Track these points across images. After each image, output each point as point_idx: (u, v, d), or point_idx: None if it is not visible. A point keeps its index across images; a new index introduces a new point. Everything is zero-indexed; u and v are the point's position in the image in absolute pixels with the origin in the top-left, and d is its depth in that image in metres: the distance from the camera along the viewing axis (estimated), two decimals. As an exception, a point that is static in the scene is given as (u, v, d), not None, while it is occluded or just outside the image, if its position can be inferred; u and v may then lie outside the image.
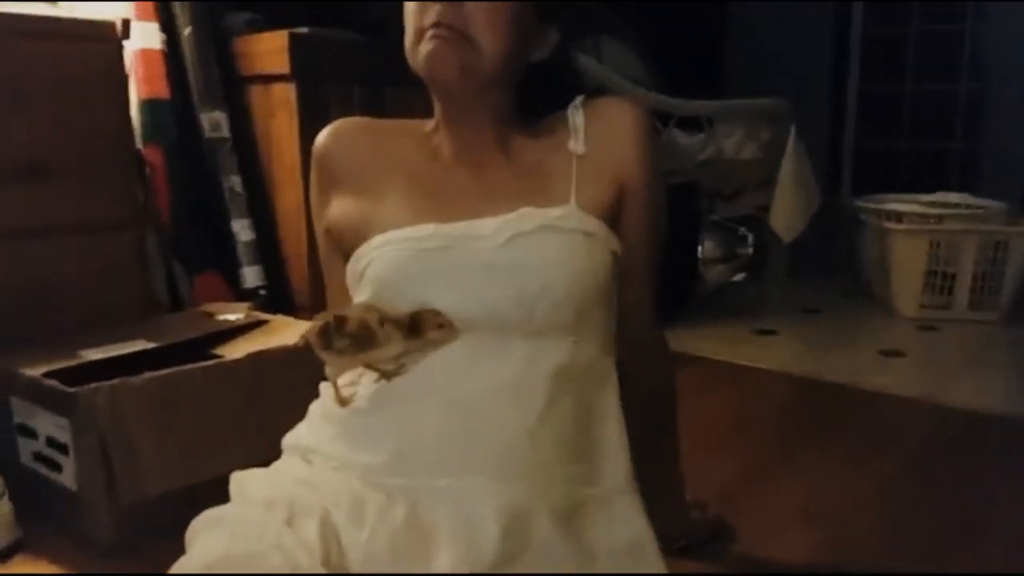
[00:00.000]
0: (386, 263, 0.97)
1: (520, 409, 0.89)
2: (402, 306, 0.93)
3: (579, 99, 1.07)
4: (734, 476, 1.63)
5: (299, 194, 2.02)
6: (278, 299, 2.07)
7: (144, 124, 1.97)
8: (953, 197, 3.21)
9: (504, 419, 0.89)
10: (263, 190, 2.11)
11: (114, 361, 1.48)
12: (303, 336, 0.95)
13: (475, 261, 0.95)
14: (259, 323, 1.72)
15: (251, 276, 2.04)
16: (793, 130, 2.95)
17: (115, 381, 1.34)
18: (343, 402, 0.96)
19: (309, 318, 1.82)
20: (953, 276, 2.84)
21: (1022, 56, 4.16)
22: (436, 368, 0.92)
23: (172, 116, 2.00)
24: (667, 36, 3.57)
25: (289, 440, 1.00)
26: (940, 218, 2.94)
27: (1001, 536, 1.44)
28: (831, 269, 3.46)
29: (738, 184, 3.11)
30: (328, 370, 0.96)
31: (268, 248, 2.10)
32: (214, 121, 2.05)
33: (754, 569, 1.33)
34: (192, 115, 2.05)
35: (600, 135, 1.03)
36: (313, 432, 0.98)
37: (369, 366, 0.95)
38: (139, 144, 1.96)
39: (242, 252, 2.04)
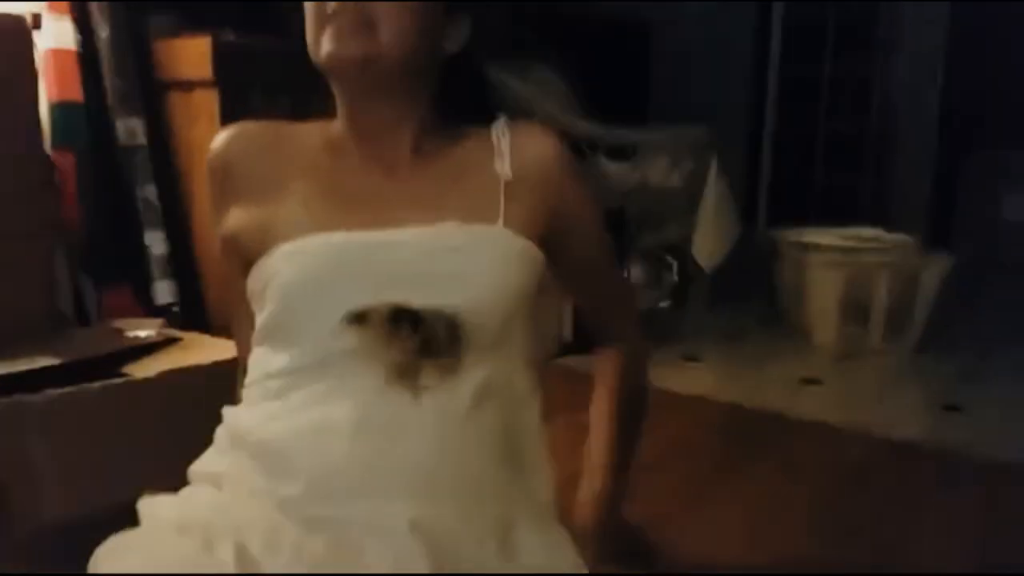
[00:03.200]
0: (295, 271, 0.90)
1: (440, 428, 0.85)
2: (312, 319, 0.88)
3: (502, 120, 1.04)
4: (667, 501, 1.63)
5: (218, 206, 1.94)
6: (192, 316, 1.98)
7: (55, 128, 1.86)
8: (866, 232, 3.30)
9: (423, 440, 0.84)
10: (179, 201, 2.03)
11: (14, 378, 1.37)
12: (362, 311, 0.86)
13: (395, 271, 0.89)
14: (171, 340, 1.64)
15: (164, 291, 1.95)
16: (715, 160, 3.00)
17: (12, 399, 1.25)
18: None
19: (224, 336, 1.75)
20: (867, 307, 2.91)
21: (925, 99, 4.36)
22: (348, 385, 0.86)
23: (85, 121, 1.90)
24: (591, 64, 3.59)
25: (197, 468, 0.94)
26: (855, 251, 3.02)
27: (930, 551, 1.51)
28: (748, 297, 3.52)
29: (663, 212, 3.13)
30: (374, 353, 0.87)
31: (182, 262, 2.01)
32: (130, 128, 1.96)
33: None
34: (106, 120, 1.95)
35: (526, 162, 1.00)
36: (222, 458, 0.93)
37: (416, 369, 0.87)
38: (48, 149, 1.85)
39: (155, 266, 1.95)
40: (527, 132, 1.03)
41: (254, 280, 0.94)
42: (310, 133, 1.02)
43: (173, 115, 2.02)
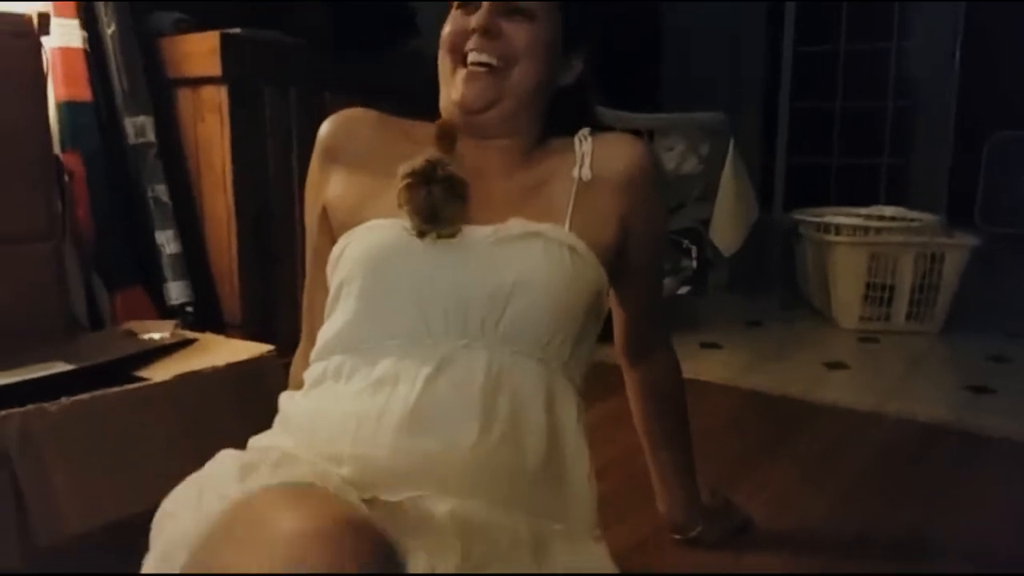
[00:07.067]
0: (372, 239, 0.98)
1: (481, 428, 0.87)
2: (376, 285, 0.95)
3: (586, 129, 1.10)
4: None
5: (229, 203, 1.91)
6: (206, 316, 1.95)
7: (63, 128, 1.84)
8: (888, 210, 3.25)
9: (463, 438, 0.86)
10: (191, 199, 2.00)
11: (28, 386, 1.35)
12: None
13: (457, 253, 0.95)
14: (186, 342, 1.62)
15: (177, 291, 1.92)
16: (732, 143, 2.95)
17: (28, 408, 1.22)
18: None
19: (239, 336, 1.73)
20: (891, 288, 2.86)
21: (945, 74, 4.29)
22: (399, 374, 0.89)
23: (94, 120, 1.87)
24: (603, 49, 3.55)
25: (255, 441, 0.97)
26: (879, 230, 2.97)
27: (964, 540, 1.46)
28: (766, 282, 3.48)
29: (680, 198, 3.09)
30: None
31: (195, 261, 1.98)
32: (139, 126, 1.93)
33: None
34: (115, 119, 1.92)
35: (608, 169, 1.05)
36: (274, 437, 0.97)
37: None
38: (57, 149, 1.82)
39: (167, 265, 1.92)
40: (613, 139, 1.09)
41: (336, 248, 1.01)
42: (412, 133, 1.10)
43: (181, 111, 2.00)
